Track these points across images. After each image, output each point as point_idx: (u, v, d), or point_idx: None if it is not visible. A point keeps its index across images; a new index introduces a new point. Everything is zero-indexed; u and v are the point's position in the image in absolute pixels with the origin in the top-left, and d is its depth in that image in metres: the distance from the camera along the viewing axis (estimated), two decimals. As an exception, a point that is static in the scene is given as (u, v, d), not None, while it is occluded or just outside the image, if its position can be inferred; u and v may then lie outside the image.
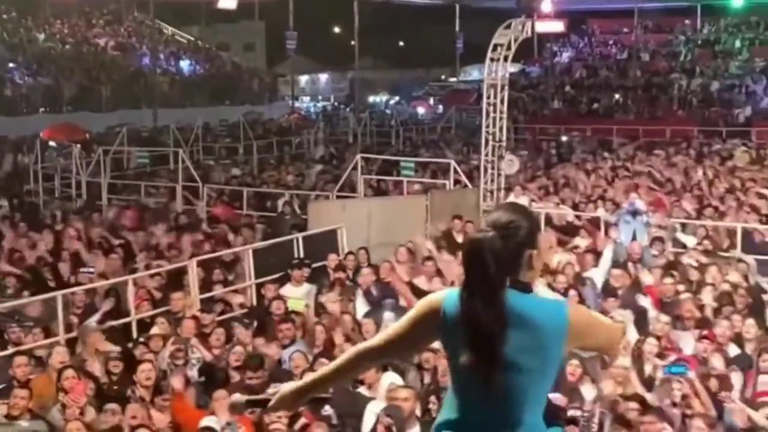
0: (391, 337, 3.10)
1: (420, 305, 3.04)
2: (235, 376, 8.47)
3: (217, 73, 45.01)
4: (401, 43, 64.00)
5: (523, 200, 15.87)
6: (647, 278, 11.51)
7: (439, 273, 11.49)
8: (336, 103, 55.23)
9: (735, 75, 39.59)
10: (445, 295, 2.97)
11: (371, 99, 56.31)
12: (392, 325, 3.19)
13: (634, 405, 7.22)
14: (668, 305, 10.27)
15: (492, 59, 16.40)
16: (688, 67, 41.04)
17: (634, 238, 13.34)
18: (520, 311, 2.82)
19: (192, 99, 40.21)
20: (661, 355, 8.69)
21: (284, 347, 9.25)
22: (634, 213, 13.89)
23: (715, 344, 8.76)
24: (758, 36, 42.28)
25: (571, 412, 6.58)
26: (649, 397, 7.61)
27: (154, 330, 9.73)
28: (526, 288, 2.90)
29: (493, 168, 16.61)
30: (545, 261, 12.27)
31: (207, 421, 7.34)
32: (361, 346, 3.19)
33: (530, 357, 2.82)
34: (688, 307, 9.87)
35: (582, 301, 10.53)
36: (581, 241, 13.83)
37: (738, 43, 42.04)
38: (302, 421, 7.37)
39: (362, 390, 8.37)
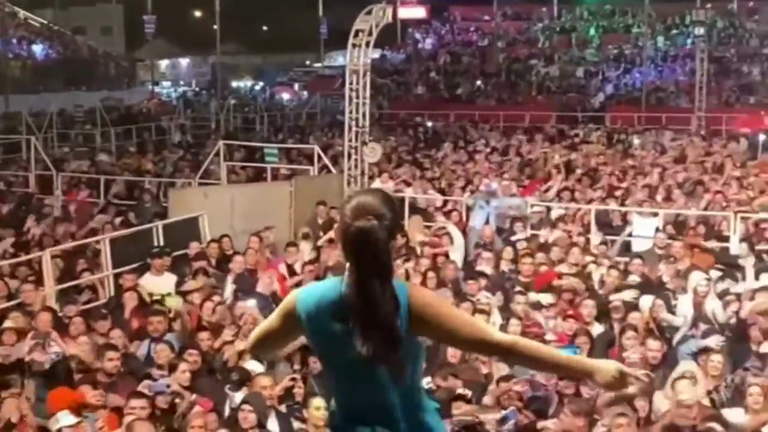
0: (260, 335, 3.15)
1: (280, 306, 3.06)
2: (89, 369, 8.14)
3: (72, 58, 43.48)
4: (265, 28, 63.32)
5: (389, 186, 15.95)
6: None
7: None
8: (198, 89, 54.22)
9: (590, 62, 40.88)
10: (297, 297, 2.97)
11: (234, 84, 55.54)
12: (266, 320, 3.20)
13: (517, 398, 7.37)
14: (525, 285, 10.48)
15: (354, 45, 16.36)
16: (546, 53, 42.12)
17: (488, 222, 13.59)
18: None
19: (46, 84, 38.70)
20: (524, 334, 8.85)
21: (153, 340, 8.92)
22: (490, 196, 14.14)
23: (580, 323, 8.98)
24: (612, 24, 43.78)
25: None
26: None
27: (7, 324, 9.27)
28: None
29: (356, 153, 16.60)
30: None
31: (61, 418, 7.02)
32: (250, 338, 3.25)
33: (406, 340, 2.83)
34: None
35: (443, 283, 10.65)
36: (443, 225, 13.96)
37: (593, 31, 43.42)
38: (198, 408, 7.21)
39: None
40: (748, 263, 11.62)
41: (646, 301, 9.78)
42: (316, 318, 2.88)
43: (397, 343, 2.78)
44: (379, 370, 2.81)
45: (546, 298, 9.93)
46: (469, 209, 14.52)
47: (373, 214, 2.82)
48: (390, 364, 2.79)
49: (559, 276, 10.70)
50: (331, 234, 12.63)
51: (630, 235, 13.28)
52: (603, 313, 9.43)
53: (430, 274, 10.67)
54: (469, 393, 6.78)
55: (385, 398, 2.86)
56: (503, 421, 6.61)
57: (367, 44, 16.36)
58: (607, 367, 2.87)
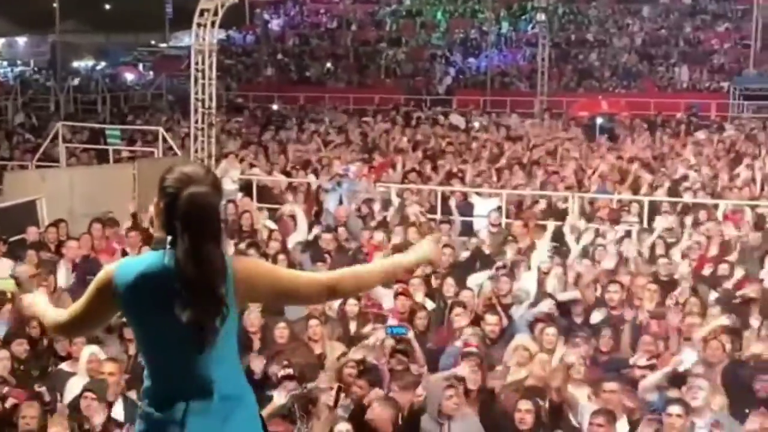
0: (73, 315, 3.11)
1: (94, 281, 3.03)
2: None
3: None
4: (107, 6, 61.23)
5: (236, 168, 15.79)
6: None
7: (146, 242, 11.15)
8: (36, 69, 52.00)
9: (437, 45, 41.54)
10: (114, 271, 2.95)
11: (75, 64, 53.54)
12: (76, 302, 3.16)
13: (352, 366, 7.43)
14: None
15: (199, 24, 16.10)
16: (393, 36, 42.52)
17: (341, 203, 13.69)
18: None
19: None
20: (364, 315, 8.99)
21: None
22: (342, 179, 14.26)
23: (413, 301, 9.16)
24: (458, 8, 44.53)
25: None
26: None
27: None
28: None
29: (203, 135, 16.37)
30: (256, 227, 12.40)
31: None
32: (58, 319, 3.21)
33: (226, 311, 2.86)
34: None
35: (292, 265, 10.70)
36: (291, 207, 13.94)
37: (439, 15, 44.06)
38: (12, 401, 6.93)
39: (64, 366, 8.05)
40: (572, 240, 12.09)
41: (483, 278, 10.09)
42: (136, 289, 2.86)
43: (220, 311, 2.80)
44: (195, 341, 2.81)
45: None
46: (319, 191, 14.56)
47: (202, 181, 2.85)
48: (208, 332, 2.80)
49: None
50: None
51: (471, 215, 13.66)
52: (436, 290, 9.69)
53: (281, 257, 10.64)
54: (293, 372, 6.79)
55: (200, 371, 2.87)
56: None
57: (213, 24, 16.13)
58: (424, 245, 3.15)
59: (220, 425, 2.87)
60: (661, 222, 13.00)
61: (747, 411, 6.92)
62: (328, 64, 40.95)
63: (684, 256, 11.33)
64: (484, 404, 7.17)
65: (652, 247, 11.80)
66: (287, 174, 16.44)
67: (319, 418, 6.78)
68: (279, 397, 6.70)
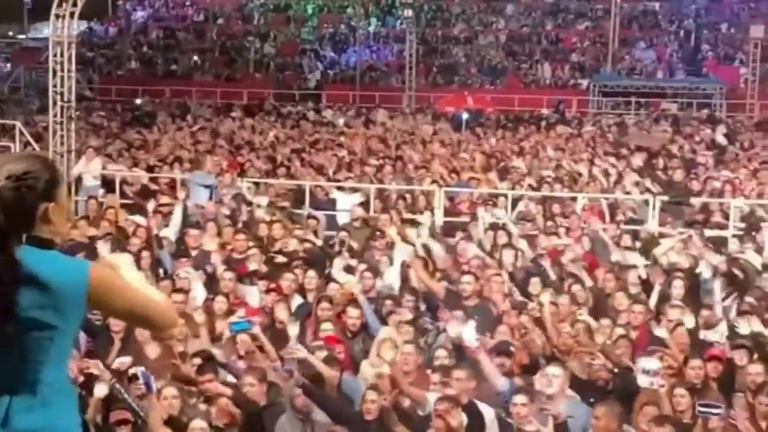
0: None
1: None
2: None
3: None
4: (-39, -5, 58.57)
5: (96, 163, 15.37)
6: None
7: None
8: None
9: (307, 40, 41.43)
10: None
11: (-73, 56, 50.98)
12: None
13: (196, 361, 7.38)
14: (236, 262, 10.53)
15: (58, 15, 15.60)
16: (262, 31, 42.16)
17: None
18: (34, 268, 2.67)
19: None
20: (231, 312, 8.90)
21: None
22: (208, 175, 14.07)
23: (281, 296, 9.15)
24: (327, 3, 44.50)
25: (132, 370, 6.56)
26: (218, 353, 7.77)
27: None
28: (46, 244, 2.74)
29: (62, 130, 15.89)
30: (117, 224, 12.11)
31: None
32: None
33: (48, 315, 2.70)
34: (256, 261, 10.29)
35: (156, 262, 10.50)
36: (164, 203, 13.66)
37: (309, 10, 43.95)
38: None
39: None
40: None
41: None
42: None
43: (9, 318, 2.64)
44: (7, 343, 2.68)
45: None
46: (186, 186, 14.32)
47: (8, 176, 2.66)
48: (3, 336, 2.66)
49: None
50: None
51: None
52: (302, 287, 9.68)
53: (144, 253, 10.42)
54: (139, 371, 6.66)
55: (19, 369, 2.75)
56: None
57: (72, 15, 15.66)
58: None
59: (42, 421, 2.79)
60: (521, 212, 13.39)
61: (591, 400, 7.17)
62: (195, 58, 40.28)
63: (543, 247, 11.65)
64: (342, 397, 7.23)
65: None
66: (151, 169, 16.11)
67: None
68: (99, 390, 6.56)
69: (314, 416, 6.88)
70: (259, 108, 28.62)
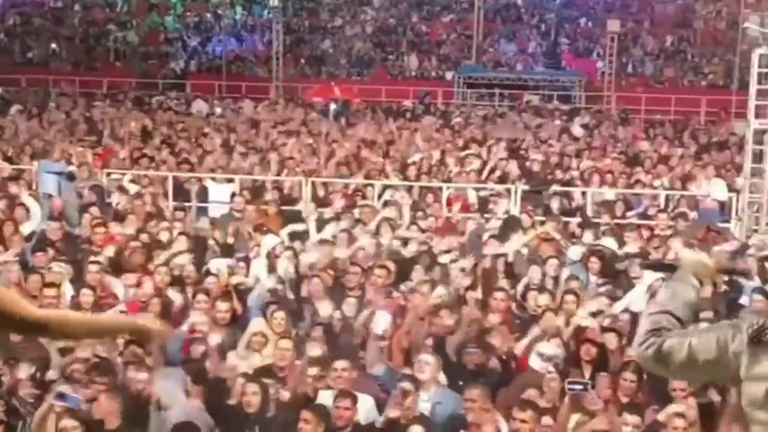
0: None
1: None
2: None
3: None
4: None
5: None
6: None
7: None
8: None
9: (171, 29, 40.56)
10: None
11: None
12: None
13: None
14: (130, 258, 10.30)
15: None
16: (124, 18, 41.05)
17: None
18: None
19: None
20: (99, 306, 8.69)
21: None
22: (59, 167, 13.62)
23: (157, 288, 9.01)
24: (192, -9, 43.65)
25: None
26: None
27: None
28: None
29: None
30: None
31: None
32: None
33: None
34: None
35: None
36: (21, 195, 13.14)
37: (173, -2, 43.04)
38: None
39: None
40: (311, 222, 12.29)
41: (222, 264, 10.03)
42: None
43: None
44: None
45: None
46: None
47: None
48: None
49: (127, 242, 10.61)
50: None
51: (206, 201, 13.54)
52: (177, 280, 9.53)
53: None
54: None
55: None
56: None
57: None
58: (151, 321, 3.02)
59: None
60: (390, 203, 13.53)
61: (461, 384, 7.34)
62: (53, 45, 38.84)
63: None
64: (213, 391, 7.14)
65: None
66: (8, 160, 15.51)
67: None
68: None
69: (172, 411, 6.80)
70: (122, 97, 27.87)
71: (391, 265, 10.07)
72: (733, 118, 24.15)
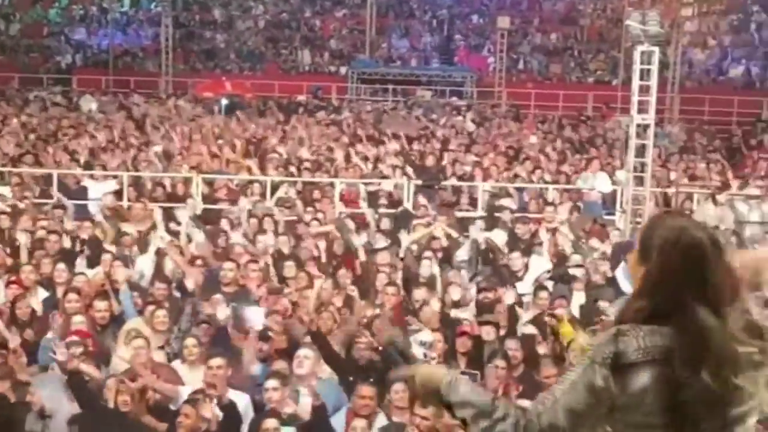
0: None
1: None
2: None
3: None
4: None
5: None
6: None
7: None
8: None
9: (55, 22, 39.39)
10: None
11: None
12: None
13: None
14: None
15: None
16: (6, 11, 39.67)
17: None
18: None
19: None
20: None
21: None
22: None
23: (23, 288, 8.72)
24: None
25: None
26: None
27: None
28: None
29: None
30: None
31: None
32: None
33: None
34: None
35: None
36: None
37: (57, -10, 41.81)
38: None
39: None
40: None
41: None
42: None
43: None
44: None
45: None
46: None
47: None
48: None
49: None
50: None
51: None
52: (47, 279, 9.27)
53: None
54: None
55: None
56: None
57: None
58: None
59: None
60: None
61: (351, 379, 7.32)
62: None
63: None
64: (90, 394, 6.93)
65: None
66: None
67: None
68: None
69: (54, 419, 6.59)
70: (2, 92, 26.94)
71: (269, 260, 10.00)
72: (618, 113, 24.75)
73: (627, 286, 9.18)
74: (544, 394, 2.85)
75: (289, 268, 9.97)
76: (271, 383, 6.79)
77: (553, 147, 19.67)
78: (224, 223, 11.99)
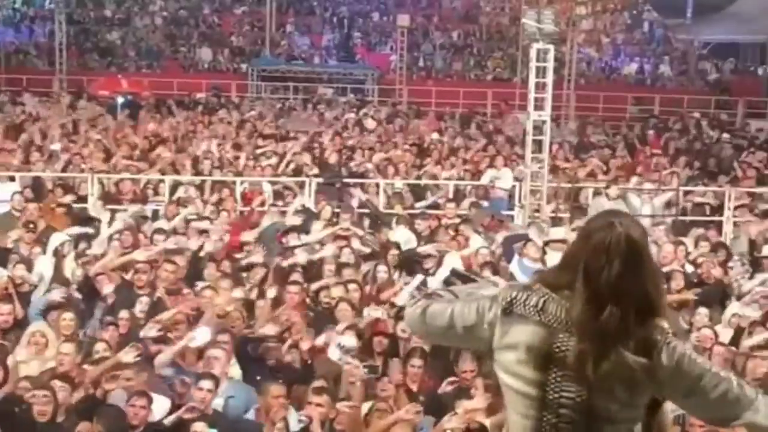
0: None
1: None
2: None
3: None
4: None
5: None
6: None
7: None
8: None
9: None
10: None
11: None
12: None
13: None
14: None
15: None
16: None
17: None
18: None
19: None
20: None
21: None
22: None
23: None
24: None
25: None
26: None
27: None
28: None
29: None
30: None
31: None
32: None
33: None
34: None
35: None
36: None
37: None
38: None
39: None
40: (104, 220, 11.92)
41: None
42: None
43: None
44: None
45: None
46: None
47: None
48: None
49: None
50: None
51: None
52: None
53: None
54: None
55: None
56: None
57: None
58: None
59: None
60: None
61: (259, 378, 7.33)
62: None
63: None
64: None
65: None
66: None
67: None
68: None
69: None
70: None
71: (181, 261, 9.89)
72: (517, 110, 25.19)
73: (524, 279, 9.39)
74: (454, 290, 3.11)
75: (200, 268, 9.90)
76: (206, 384, 6.77)
77: (455, 144, 19.92)
78: (130, 224, 11.80)
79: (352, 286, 9.43)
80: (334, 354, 7.73)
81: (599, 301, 2.87)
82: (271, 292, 9.46)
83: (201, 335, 7.45)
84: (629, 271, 2.87)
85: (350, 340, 7.86)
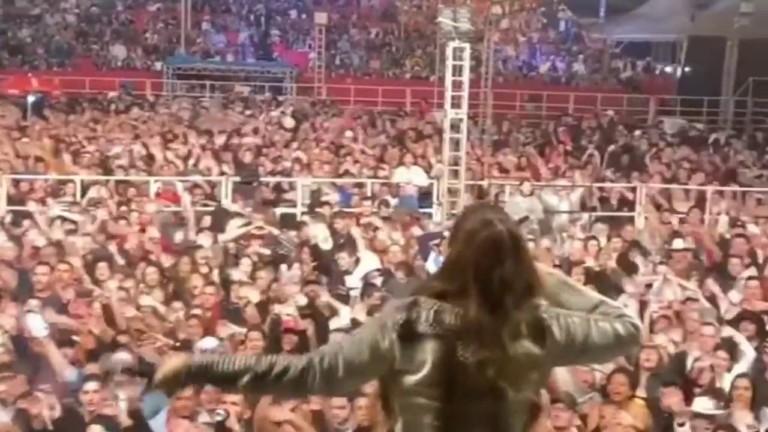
0: None
1: None
2: None
3: None
4: None
5: None
6: None
7: None
8: None
9: None
10: None
11: None
12: None
13: None
14: None
15: None
16: None
17: None
18: None
19: None
20: None
21: None
22: None
23: None
24: None
25: None
26: None
27: None
28: None
29: None
30: None
31: None
32: None
33: None
34: None
35: None
36: None
37: None
38: None
39: None
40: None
41: None
42: None
43: None
44: None
45: None
46: None
47: None
48: None
49: None
50: None
51: None
52: None
53: None
54: None
55: None
56: None
57: None
58: None
59: None
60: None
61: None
62: None
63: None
64: None
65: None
66: None
67: None
68: None
69: None
70: None
71: (76, 262, 9.69)
72: (435, 108, 25.25)
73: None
74: (332, 341, 3.05)
75: (102, 270, 9.69)
76: (90, 386, 6.73)
77: (370, 142, 19.88)
78: (31, 225, 11.49)
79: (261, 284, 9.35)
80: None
81: (492, 300, 2.88)
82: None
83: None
84: (518, 266, 2.91)
85: (210, 342, 7.85)
